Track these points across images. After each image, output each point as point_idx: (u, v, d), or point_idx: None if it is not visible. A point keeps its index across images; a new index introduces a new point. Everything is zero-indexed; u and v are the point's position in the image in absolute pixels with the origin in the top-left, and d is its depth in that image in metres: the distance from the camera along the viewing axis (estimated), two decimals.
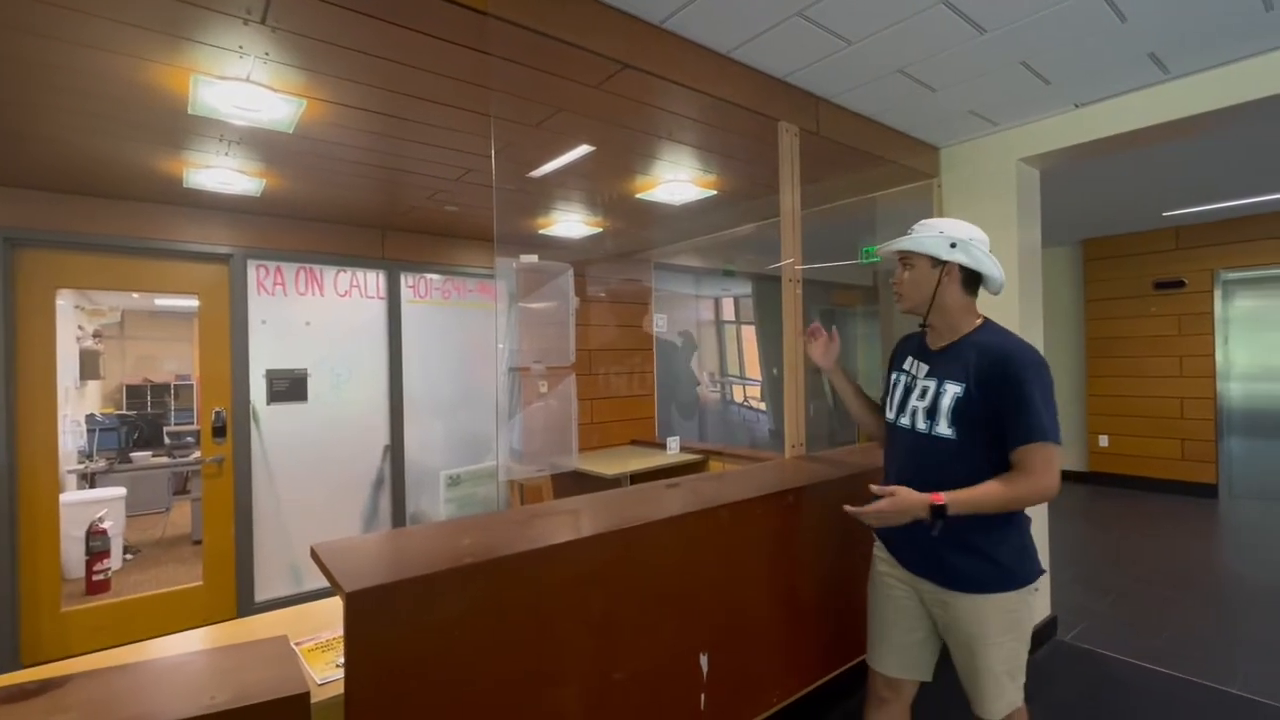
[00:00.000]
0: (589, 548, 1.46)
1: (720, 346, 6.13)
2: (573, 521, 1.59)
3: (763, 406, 6.25)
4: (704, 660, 1.67)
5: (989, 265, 1.54)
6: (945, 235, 1.53)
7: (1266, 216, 5.18)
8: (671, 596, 1.62)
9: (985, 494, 1.41)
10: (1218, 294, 5.53)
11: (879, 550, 1.72)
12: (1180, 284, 5.69)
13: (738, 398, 6.44)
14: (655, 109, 2.27)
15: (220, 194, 3.03)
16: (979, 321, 1.58)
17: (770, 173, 2.47)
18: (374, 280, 3.92)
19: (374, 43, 1.75)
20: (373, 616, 1.12)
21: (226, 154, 2.56)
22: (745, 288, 6.04)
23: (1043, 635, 2.91)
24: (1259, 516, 5.00)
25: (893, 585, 1.65)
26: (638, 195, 3.33)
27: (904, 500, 1.43)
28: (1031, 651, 1.82)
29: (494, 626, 1.30)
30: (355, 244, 3.83)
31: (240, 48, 1.76)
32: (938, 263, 1.54)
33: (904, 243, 1.58)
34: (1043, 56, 2.18)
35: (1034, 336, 2.84)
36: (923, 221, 1.60)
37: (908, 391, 1.62)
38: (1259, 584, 3.61)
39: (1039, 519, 2.90)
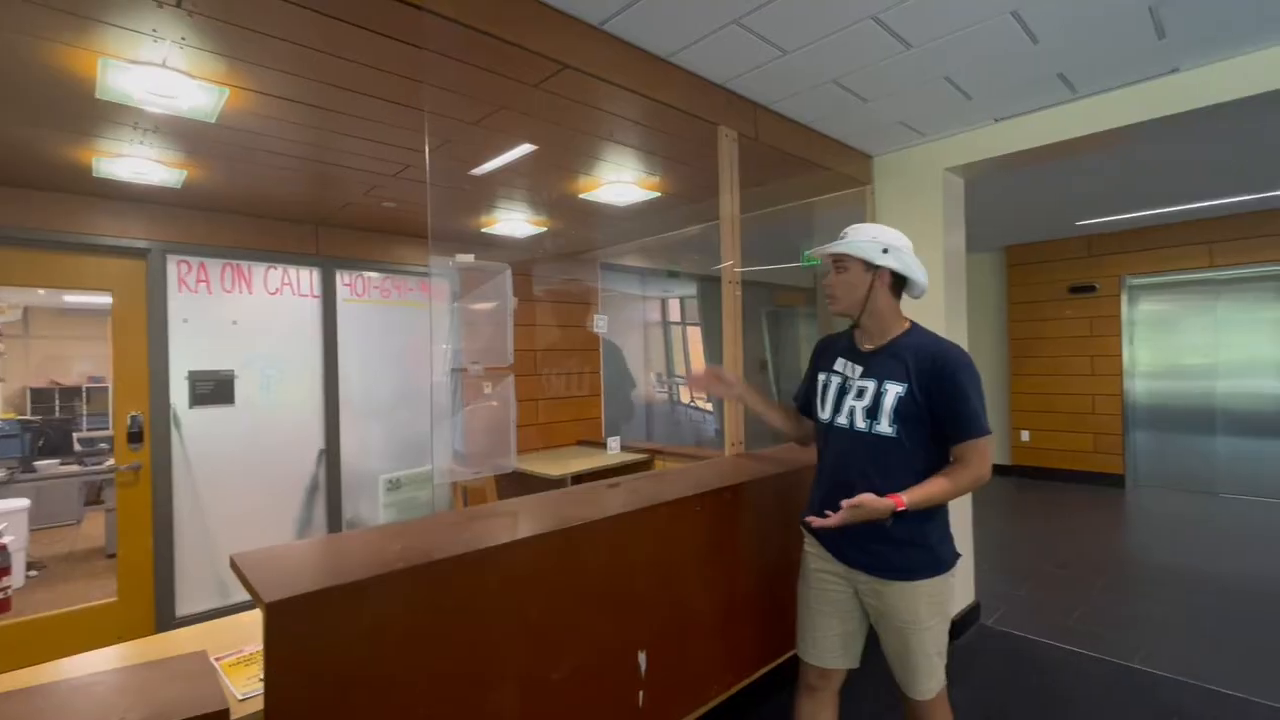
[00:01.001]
0: (526, 549, 1.45)
1: (667, 347, 6.19)
2: (510, 523, 1.58)
3: (709, 407, 6.34)
4: (642, 658, 1.69)
5: (916, 271, 1.62)
6: (878, 241, 1.59)
7: (1167, 227, 5.63)
8: (610, 595, 1.63)
9: (936, 490, 1.50)
10: (1124, 298, 5.96)
11: (810, 547, 1.75)
12: (1092, 289, 6.11)
13: (684, 399, 6.50)
14: (596, 110, 2.27)
15: (136, 185, 2.85)
16: (907, 325, 1.65)
17: (711, 176, 2.52)
18: (307, 278, 3.77)
19: (301, 32, 1.69)
20: (295, 627, 1.09)
21: (142, 142, 2.42)
22: (690, 289, 6.12)
23: (967, 620, 3.07)
24: (1160, 503, 5.43)
25: (826, 580, 1.69)
26: (582, 195, 3.33)
27: (869, 508, 1.47)
28: (956, 636, 1.93)
29: (427, 632, 1.28)
30: (287, 240, 3.67)
31: (154, 31, 1.66)
32: (870, 267, 1.60)
33: (839, 246, 1.62)
34: (964, 73, 2.30)
35: (958, 336, 2.99)
36: (855, 226, 1.65)
37: (842, 392, 1.66)
38: (1158, 566, 3.92)
39: (964, 510, 3.06)
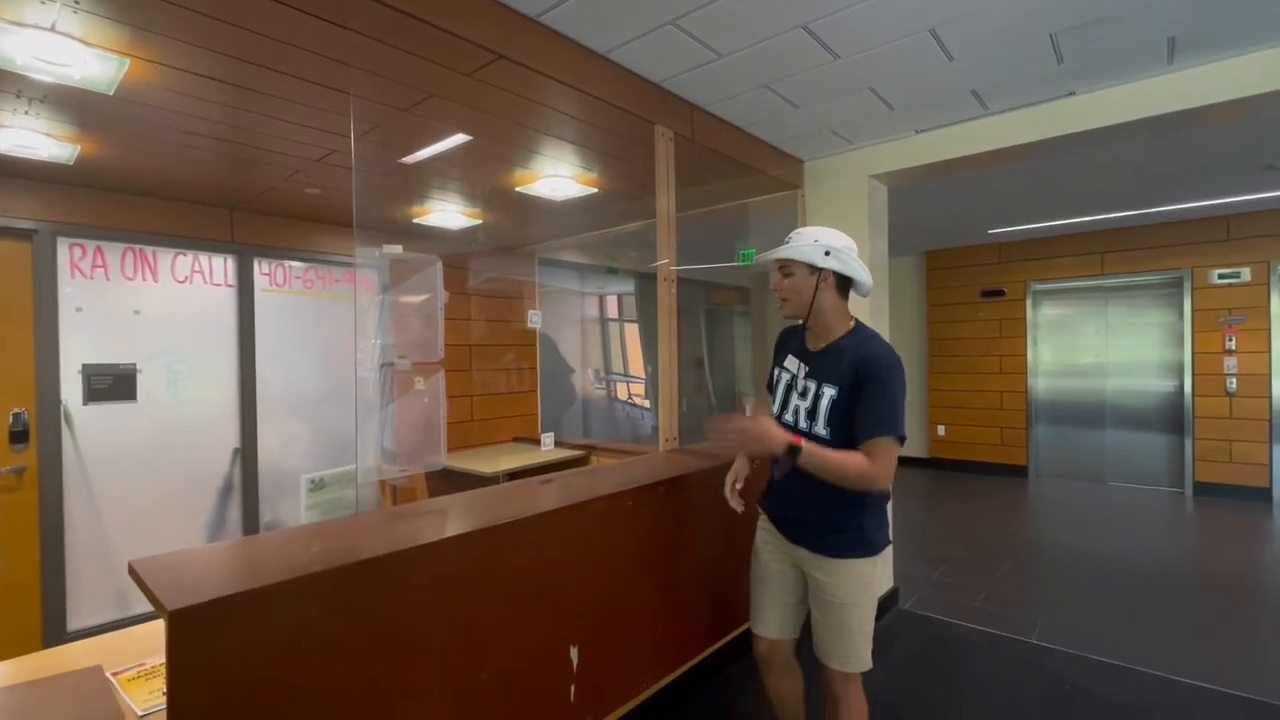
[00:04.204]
0: (454, 547, 1.42)
1: (605, 344, 6.19)
2: (438, 521, 1.54)
3: (646, 403, 6.38)
4: (574, 653, 1.69)
5: (859, 271, 1.66)
6: (820, 244, 1.63)
7: (1067, 237, 6.11)
8: (542, 592, 1.63)
9: (831, 460, 1.52)
10: (1029, 302, 6.43)
11: (763, 524, 1.85)
12: (1001, 293, 6.55)
13: (622, 395, 6.53)
14: (532, 103, 2.24)
15: (20, 159, 2.59)
16: (851, 324, 1.69)
17: (648, 174, 2.54)
18: (221, 265, 3.54)
19: (213, 3, 1.58)
20: (202, 636, 1.03)
21: (26, 113, 2.20)
22: (629, 285, 6.14)
23: (887, 605, 3.24)
24: (1057, 492, 5.90)
25: (773, 554, 1.80)
26: (518, 188, 3.28)
27: (764, 427, 1.54)
28: (877, 619, 2.03)
29: (348, 637, 1.23)
30: (198, 224, 3.43)
31: None
32: (814, 269, 1.63)
33: (784, 251, 1.67)
34: (888, 85, 2.42)
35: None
36: (798, 230, 1.69)
37: (789, 389, 1.72)
38: (1054, 548, 4.26)
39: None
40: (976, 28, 2.00)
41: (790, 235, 1.70)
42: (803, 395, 1.68)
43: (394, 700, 1.30)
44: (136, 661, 1.41)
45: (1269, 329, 5.25)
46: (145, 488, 3.25)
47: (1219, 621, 3.11)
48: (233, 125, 2.38)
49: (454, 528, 1.47)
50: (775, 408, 1.77)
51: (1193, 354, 5.58)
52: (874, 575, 1.68)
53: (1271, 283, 5.23)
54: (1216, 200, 4.79)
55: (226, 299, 3.56)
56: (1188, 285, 5.60)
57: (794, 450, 1.52)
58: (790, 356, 1.75)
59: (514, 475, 3.58)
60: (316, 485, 3.63)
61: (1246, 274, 5.33)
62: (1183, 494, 5.61)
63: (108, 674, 1.35)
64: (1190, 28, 2.02)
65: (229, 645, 1.06)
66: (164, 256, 3.33)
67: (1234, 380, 5.38)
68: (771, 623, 1.79)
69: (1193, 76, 2.26)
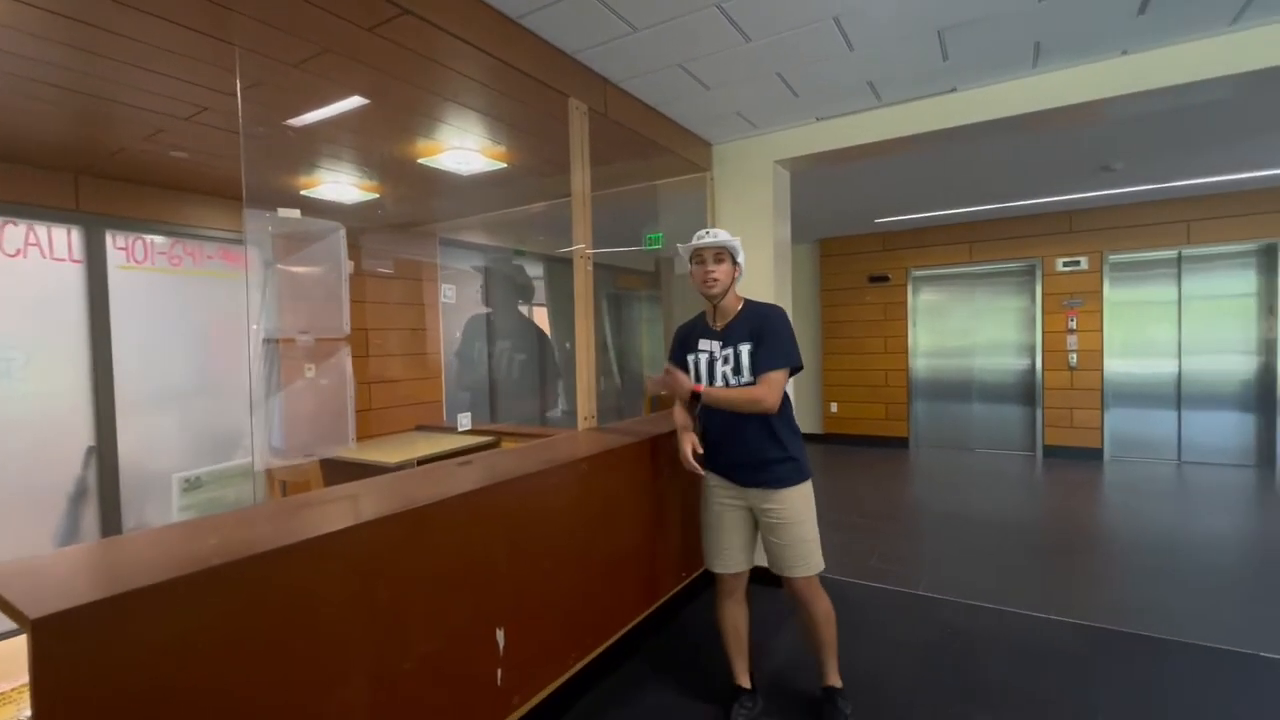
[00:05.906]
0: (370, 532, 1.34)
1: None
2: (350, 507, 1.44)
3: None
4: (500, 635, 1.65)
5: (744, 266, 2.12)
6: (736, 240, 2.05)
7: (942, 227, 6.68)
8: (465, 575, 1.57)
9: (724, 395, 1.98)
10: (910, 287, 6.99)
11: (711, 480, 2.15)
12: (886, 279, 7.07)
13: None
14: (439, 65, 2.12)
15: None
16: (741, 301, 2.11)
17: (559, 150, 2.48)
18: (63, 238, 3.07)
19: None
20: (75, 647, 0.89)
21: None
22: (537, 269, 6.01)
23: None
24: (934, 460, 6.50)
25: (724, 500, 2.11)
26: (420, 160, 3.10)
27: (678, 379, 2.06)
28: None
29: (256, 633, 1.12)
30: (31, 189, 2.95)
31: None
32: (735, 261, 2.05)
33: (730, 242, 2.02)
34: (793, 71, 2.51)
35: None
36: (711, 230, 2.05)
37: (711, 364, 2.06)
38: (932, 510, 4.70)
39: None
40: (874, 19, 2.12)
41: (706, 232, 2.03)
42: (725, 361, 2.03)
43: (311, 696, 1.21)
44: None
45: (1101, 311, 6.05)
46: None
47: (1068, 563, 3.57)
48: (81, 73, 2.06)
49: (370, 512, 1.38)
50: (704, 383, 2.08)
51: (1043, 334, 6.32)
52: (811, 496, 2.07)
53: (1104, 270, 6.02)
54: (1062, 196, 5.43)
55: (73, 276, 3.11)
56: (1039, 272, 6.32)
57: (696, 395, 2.01)
58: (701, 341, 2.10)
59: (423, 464, 3.42)
60: (192, 484, 3.28)
61: (1085, 262, 6.10)
62: (1034, 457, 6.37)
63: None
64: (1052, 36, 2.26)
65: (109, 655, 0.93)
66: None
67: (1074, 356, 6.16)
68: (732, 560, 2.11)
69: (1053, 80, 2.53)
